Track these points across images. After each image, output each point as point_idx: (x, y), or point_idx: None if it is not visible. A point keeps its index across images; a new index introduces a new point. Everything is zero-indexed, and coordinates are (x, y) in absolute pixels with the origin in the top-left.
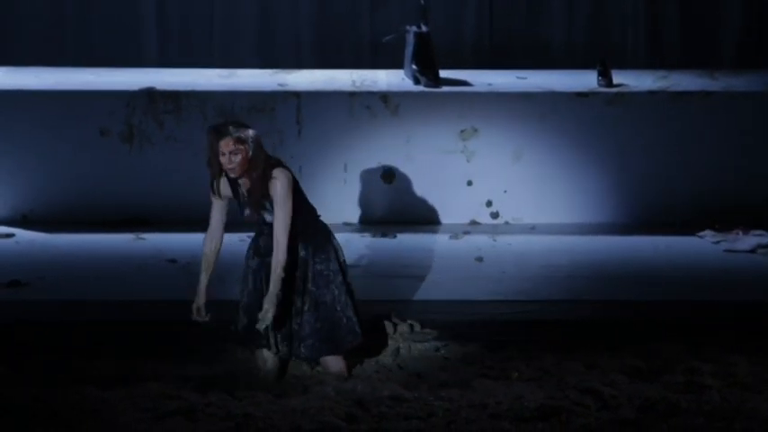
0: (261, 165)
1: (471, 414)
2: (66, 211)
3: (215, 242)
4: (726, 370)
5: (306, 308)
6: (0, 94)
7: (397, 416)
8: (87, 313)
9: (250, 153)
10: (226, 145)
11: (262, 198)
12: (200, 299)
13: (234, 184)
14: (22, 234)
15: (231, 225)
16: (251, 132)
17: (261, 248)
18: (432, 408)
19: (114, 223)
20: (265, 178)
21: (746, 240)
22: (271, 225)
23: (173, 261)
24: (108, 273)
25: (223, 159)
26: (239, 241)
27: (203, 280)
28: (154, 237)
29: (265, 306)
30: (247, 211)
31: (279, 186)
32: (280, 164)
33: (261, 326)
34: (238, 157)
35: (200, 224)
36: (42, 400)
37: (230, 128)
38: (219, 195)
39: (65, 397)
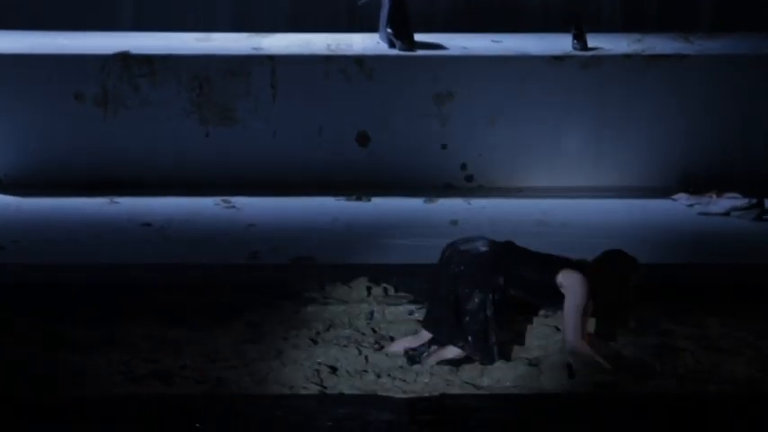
0: None
1: (445, 376)
2: (41, 175)
3: None
4: (700, 333)
5: None
6: None
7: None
8: (62, 277)
9: None
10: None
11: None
12: None
13: None
14: None
15: (207, 187)
16: None
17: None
18: (405, 370)
19: (89, 187)
20: None
21: (720, 203)
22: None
23: (147, 225)
24: (82, 236)
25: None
26: (214, 205)
27: None
28: (128, 201)
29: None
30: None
31: None
32: None
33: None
34: None
35: (174, 188)
36: (18, 363)
37: None
38: None
39: (41, 360)
